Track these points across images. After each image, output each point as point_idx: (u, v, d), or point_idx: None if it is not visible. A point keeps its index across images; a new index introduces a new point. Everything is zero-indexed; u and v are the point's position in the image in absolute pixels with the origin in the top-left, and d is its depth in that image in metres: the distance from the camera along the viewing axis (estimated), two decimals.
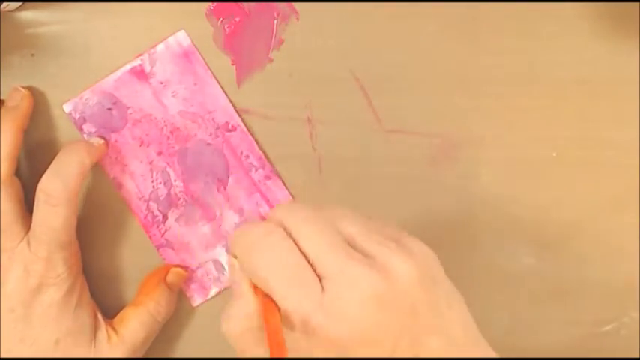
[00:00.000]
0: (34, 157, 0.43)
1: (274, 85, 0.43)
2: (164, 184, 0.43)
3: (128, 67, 0.43)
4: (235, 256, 0.33)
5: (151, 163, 0.43)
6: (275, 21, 0.43)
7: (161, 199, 0.43)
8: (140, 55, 0.43)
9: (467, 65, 0.44)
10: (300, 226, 0.31)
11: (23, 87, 0.42)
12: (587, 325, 0.44)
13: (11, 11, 0.43)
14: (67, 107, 0.43)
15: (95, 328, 0.40)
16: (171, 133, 0.43)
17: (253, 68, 0.43)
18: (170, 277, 0.42)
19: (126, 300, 0.43)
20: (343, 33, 0.43)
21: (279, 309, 0.30)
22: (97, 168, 0.43)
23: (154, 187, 0.43)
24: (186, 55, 0.43)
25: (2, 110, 0.41)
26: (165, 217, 0.43)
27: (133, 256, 0.44)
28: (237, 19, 0.43)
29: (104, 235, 0.43)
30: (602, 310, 0.44)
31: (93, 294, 0.42)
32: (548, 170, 0.44)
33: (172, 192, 0.43)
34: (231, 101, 0.43)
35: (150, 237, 0.43)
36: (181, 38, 0.43)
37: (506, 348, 0.44)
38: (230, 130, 0.43)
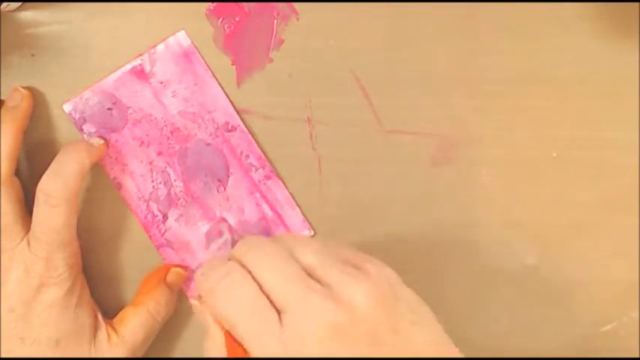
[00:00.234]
0: (34, 157, 0.43)
1: (274, 85, 0.44)
2: (164, 184, 0.43)
3: (128, 67, 0.43)
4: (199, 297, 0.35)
5: (151, 163, 0.43)
6: (275, 21, 0.43)
7: (161, 198, 0.43)
8: (140, 55, 0.43)
9: (467, 65, 0.44)
10: (259, 262, 0.32)
11: (23, 87, 0.42)
12: (587, 325, 0.44)
13: (11, 11, 0.43)
14: (67, 107, 0.43)
15: (95, 328, 0.40)
16: (171, 133, 0.43)
17: (253, 68, 0.43)
18: (170, 277, 0.42)
19: (126, 300, 0.43)
20: (343, 33, 0.43)
21: (242, 346, 0.32)
22: (97, 168, 0.43)
23: (154, 187, 0.43)
24: (186, 55, 0.43)
25: (2, 110, 0.41)
26: (165, 217, 0.43)
27: (133, 256, 0.44)
28: (237, 19, 0.43)
29: (104, 235, 0.43)
30: (601, 310, 0.44)
31: (93, 294, 0.42)
32: (548, 170, 0.44)
33: (172, 192, 0.43)
34: (231, 101, 0.43)
35: (150, 237, 0.43)
36: (181, 38, 0.43)
37: (506, 348, 0.44)
38: (230, 130, 0.43)
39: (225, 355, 0.33)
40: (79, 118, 0.43)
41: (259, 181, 0.43)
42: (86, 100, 0.43)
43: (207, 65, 0.43)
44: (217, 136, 0.43)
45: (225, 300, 0.32)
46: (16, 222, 0.39)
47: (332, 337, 0.30)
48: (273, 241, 0.34)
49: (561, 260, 0.44)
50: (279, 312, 0.31)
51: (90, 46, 0.43)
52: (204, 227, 0.43)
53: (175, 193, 0.43)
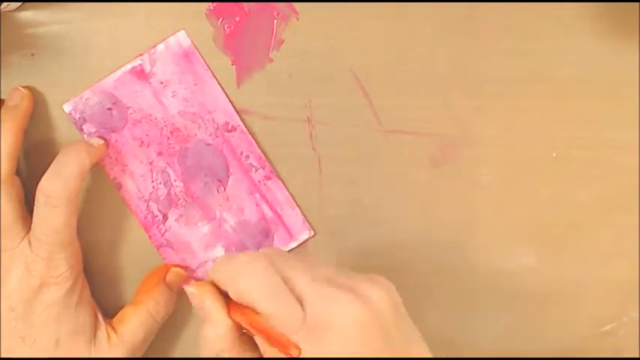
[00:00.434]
0: (34, 157, 0.43)
1: (274, 85, 0.44)
2: (164, 184, 0.43)
3: (128, 67, 0.43)
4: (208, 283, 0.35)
5: (151, 163, 0.43)
6: (275, 21, 0.43)
7: (161, 199, 0.43)
8: (140, 55, 0.43)
9: (467, 65, 0.44)
10: (284, 260, 0.34)
11: (23, 87, 0.42)
12: (587, 325, 0.44)
13: (11, 11, 0.43)
14: (67, 107, 0.43)
15: (95, 328, 0.40)
16: (171, 133, 0.43)
17: (253, 68, 0.44)
18: (170, 277, 0.42)
19: (126, 300, 0.43)
20: (343, 33, 0.43)
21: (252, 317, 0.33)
22: (97, 168, 0.43)
23: (154, 187, 0.43)
24: (186, 55, 0.43)
25: (2, 110, 0.41)
26: (165, 217, 0.43)
27: (133, 256, 0.44)
28: (237, 19, 0.43)
29: (104, 235, 0.43)
30: (601, 310, 0.44)
31: (93, 294, 0.42)
32: (548, 170, 0.44)
33: (172, 192, 0.43)
34: (231, 101, 0.43)
35: (150, 237, 0.43)
36: (181, 38, 0.43)
37: (506, 348, 0.44)
38: (230, 130, 0.43)
39: (224, 345, 0.33)
40: (79, 118, 0.43)
41: (259, 182, 0.43)
42: (86, 100, 0.43)
43: (207, 65, 0.43)
44: (217, 137, 0.43)
45: (252, 278, 0.33)
46: (16, 221, 0.39)
47: (356, 328, 0.31)
48: (293, 253, 0.36)
49: (561, 260, 0.44)
50: (301, 301, 0.32)
51: (90, 46, 0.43)
52: (204, 227, 0.43)
53: (175, 194, 0.43)
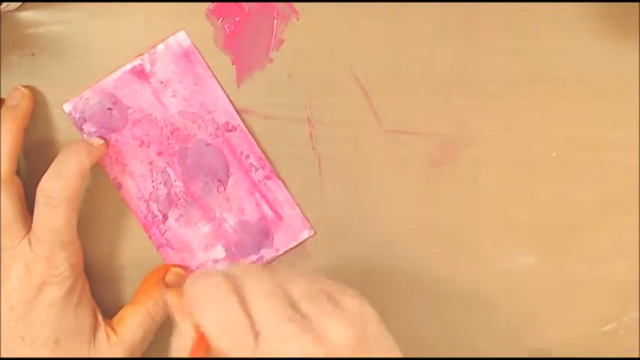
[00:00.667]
0: (34, 157, 0.43)
1: (274, 85, 0.44)
2: (164, 184, 0.43)
3: (128, 67, 0.43)
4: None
5: (151, 163, 0.43)
6: (275, 21, 0.43)
7: (161, 199, 0.43)
8: (140, 55, 0.43)
9: (467, 65, 0.44)
10: (249, 282, 0.33)
11: (23, 86, 0.42)
12: (587, 325, 0.44)
13: (11, 11, 0.43)
14: (67, 107, 0.43)
15: (95, 328, 0.40)
16: (171, 133, 0.43)
17: (253, 68, 0.44)
18: (169, 277, 0.42)
19: (125, 300, 0.43)
20: (343, 33, 0.43)
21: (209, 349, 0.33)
22: (97, 168, 0.43)
23: (154, 187, 0.43)
24: (186, 55, 0.43)
25: (2, 109, 0.41)
26: (165, 217, 0.43)
27: (133, 256, 0.44)
28: (237, 19, 0.43)
29: (104, 235, 0.44)
30: (601, 310, 0.44)
31: (93, 294, 0.42)
32: (548, 170, 0.44)
33: (172, 192, 0.43)
34: (231, 101, 0.43)
35: (150, 237, 0.43)
36: (181, 38, 0.43)
37: (506, 348, 0.44)
38: (230, 130, 0.43)
39: (188, 354, 0.34)
40: (79, 117, 0.43)
41: (259, 181, 0.43)
42: (86, 99, 0.43)
43: (207, 65, 0.43)
44: (217, 136, 0.43)
45: (207, 309, 0.32)
46: (16, 221, 0.39)
47: None
48: (268, 269, 0.34)
49: (561, 260, 0.44)
50: (257, 334, 0.32)
51: (90, 46, 0.43)
52: (204, 227, 0.43)
53: (175, 193, 0.43)
